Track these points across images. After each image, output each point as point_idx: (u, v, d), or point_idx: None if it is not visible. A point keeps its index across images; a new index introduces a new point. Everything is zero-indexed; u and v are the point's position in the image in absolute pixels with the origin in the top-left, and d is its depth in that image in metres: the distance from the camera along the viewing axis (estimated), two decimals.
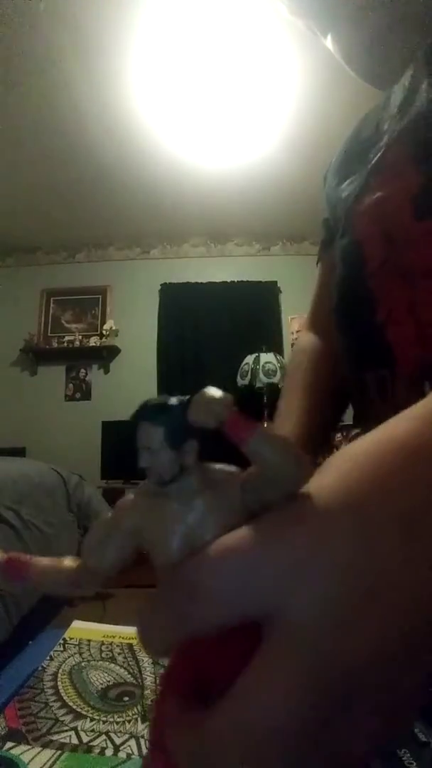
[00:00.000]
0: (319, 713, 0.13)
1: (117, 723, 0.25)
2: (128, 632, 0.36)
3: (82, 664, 0.32)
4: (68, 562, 0.19)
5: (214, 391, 0.16)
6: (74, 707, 0.27)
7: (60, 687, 0.29)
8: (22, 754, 0.23)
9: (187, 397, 0.17)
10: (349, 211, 0.40)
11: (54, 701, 0.27)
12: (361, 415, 0.45)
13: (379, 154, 0.37)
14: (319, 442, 0.48)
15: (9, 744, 0.23)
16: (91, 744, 0.24)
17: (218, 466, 0.18)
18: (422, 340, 0.32)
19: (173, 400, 0.17)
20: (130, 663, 0.32)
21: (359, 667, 0.13)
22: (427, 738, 0.21)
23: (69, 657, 0.33)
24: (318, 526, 0.14)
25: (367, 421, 0.43)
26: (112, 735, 0.24)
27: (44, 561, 0.19)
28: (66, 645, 0.34)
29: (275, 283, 3.68)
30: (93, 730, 0.25)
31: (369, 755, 0.14)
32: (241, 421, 0.15)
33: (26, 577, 0.19)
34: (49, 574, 0.19)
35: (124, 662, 0.32)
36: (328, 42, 0.42)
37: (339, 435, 1.77)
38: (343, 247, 0.41)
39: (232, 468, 0.18)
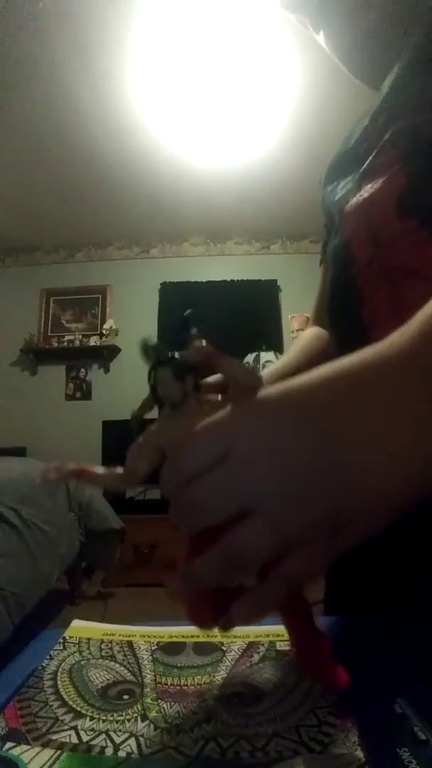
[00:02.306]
0: (280, 546, 0.21)
1: (117, 722, 0.25)
2: (128, 630, 0.36)
3: (82, 662, 0.32)
4: (119, 470, 0.28)
5: (199, 343, 0.31)
6: (74, 706, 0.27)
7: (60, 686, 0.29)
8: (22, 754, 0.23)
9: (176, 353, 0.27)
10: (341, 212, 0.40)
11: (54, 700, 0.27)
12: None
13: (370, 157, 0.37)
14: None
15: (9, 744, 0.23)
16: (90, 743, 0.24)
17: (210, 395, 0.30)
18: None
19: (171, 353, 0.27)
20: (130, 661, 0.32)
21: (304, 526, 0.20)
22: (426, 736, 0.21)
23: (69, 656, 0.33)
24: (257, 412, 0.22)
25: None
26: (112, 734, 0.24)
27: (101, 471, 0.30)
28: (66, 644, 0.34)
29: (275, 281, 3.68)
30: (93, 729, 0.25)
31: (306, 578, 0.23)
32: (215, 353, 0.26)
33: (96, 483, 0.29)
34: (108, 478, 0.29)
35: (123, 660, 0.32)
36: (320, 38, 0.42)
37: None
38: (334, 247, 0.41)
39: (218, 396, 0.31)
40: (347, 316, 0.38)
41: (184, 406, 0.27)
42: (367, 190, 0.36)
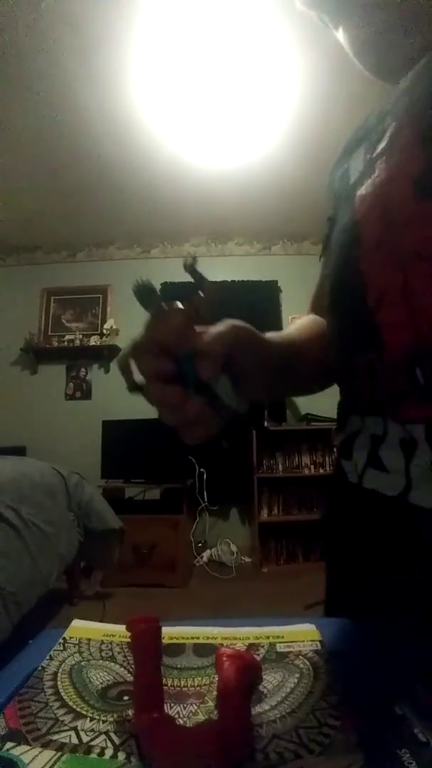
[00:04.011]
0: None
1: (117, 722, 0.25)
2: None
3: (82, 663, 0.32)
4: None
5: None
6: (74, 707, 0.27)
7: (60, 686, 0.29)
8: (22, 754, 0.23)
9: None
10: (351, 194, 0.39)
11: (54, 701, 0.27)
12: (350, 399, 0.44)
13: (385, 140, 0.37)
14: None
15: (9, 744, 0.23)
16: (91, 744, 0.24)
17: None
18: (414, 326, 0.31)
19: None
20: (130, 662, 0.32)
21: None
22: (426, 738, 0.21)
23: (69, 656, 0.33)
24: None
25: (356, 405, 0.43)
26: (112, 735, 0.24)
27: None
28: (66, 644, 0.34)
29: (276, 282, 3.68)
30: (93, 730, 0.25)
31: None
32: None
33: None
34: None
35: (123, 661, 0.32)
36: (340, 35, 0.42)
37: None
38: (341, 229, 0.40)
39: None
40: (350, 299, 0.37)
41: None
42: (383, 170, 0.35)
